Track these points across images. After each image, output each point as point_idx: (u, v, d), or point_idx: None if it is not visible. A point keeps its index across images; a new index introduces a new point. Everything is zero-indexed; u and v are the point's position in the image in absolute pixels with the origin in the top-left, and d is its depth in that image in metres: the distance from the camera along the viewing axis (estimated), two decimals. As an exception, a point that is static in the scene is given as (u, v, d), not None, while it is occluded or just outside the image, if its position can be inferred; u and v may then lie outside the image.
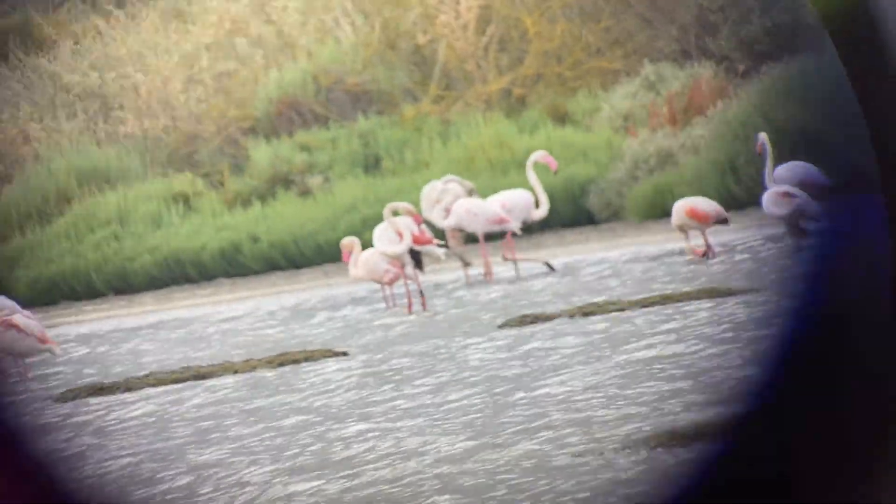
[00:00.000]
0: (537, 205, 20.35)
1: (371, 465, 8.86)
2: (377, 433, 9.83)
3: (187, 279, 27.76)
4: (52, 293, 28.30)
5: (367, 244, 18.29)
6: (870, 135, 5.72)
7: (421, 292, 17.40)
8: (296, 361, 14.33)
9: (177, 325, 21.30)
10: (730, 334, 11.81)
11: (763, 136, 19.33)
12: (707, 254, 18.68)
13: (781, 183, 18.31)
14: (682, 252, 19.57)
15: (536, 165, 20.52)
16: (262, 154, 29.02)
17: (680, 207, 19.00)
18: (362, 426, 10.24)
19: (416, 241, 17.29)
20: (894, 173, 5.58)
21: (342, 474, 8.75)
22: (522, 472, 8.11)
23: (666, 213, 19.86)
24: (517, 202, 20.34)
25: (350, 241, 18.31)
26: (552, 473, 7.98)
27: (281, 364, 14.29)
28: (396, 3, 30.02)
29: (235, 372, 14.23)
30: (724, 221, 19.14)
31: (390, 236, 17.36)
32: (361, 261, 18.10)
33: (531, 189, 20.44)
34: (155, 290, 27.75)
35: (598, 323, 13.80)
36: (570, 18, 29.58)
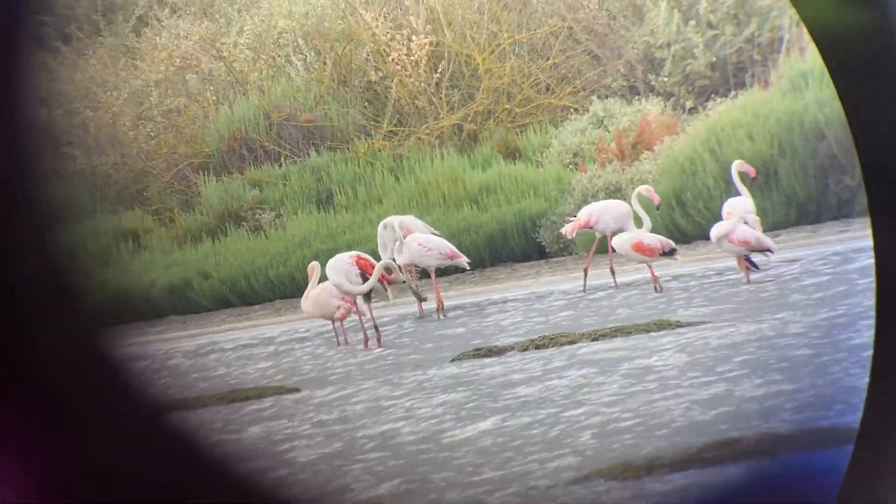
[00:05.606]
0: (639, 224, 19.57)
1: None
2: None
3: (137, 316, 27.61)
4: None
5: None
6: (860, 157, 5.83)
7: (375, 327, 17.19)
8: (247, 398, 14.30)
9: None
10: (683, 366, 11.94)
11: (734, 165, 19.54)
12: (657, 287, 18.77)
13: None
14: (630, 285, 19.69)
15: (640, 197, 19.66)
16: (212, 191, 28.98)
17: (625, 241, 18.96)
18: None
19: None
20: (883, 196, 5.70)
21: None
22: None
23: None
24: (606, 208, 19.90)
25: (312, 266, 17.78)
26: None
27: (231, 401, 14.24)
28: (348, 40, 30.13)
29: (187, 409, 14.18)
30: (671, 253, 19.14)
31: (349, 273, 17.20)
32: (311, 297, 17.51)
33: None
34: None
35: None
36: (519, 56, 29.78)
